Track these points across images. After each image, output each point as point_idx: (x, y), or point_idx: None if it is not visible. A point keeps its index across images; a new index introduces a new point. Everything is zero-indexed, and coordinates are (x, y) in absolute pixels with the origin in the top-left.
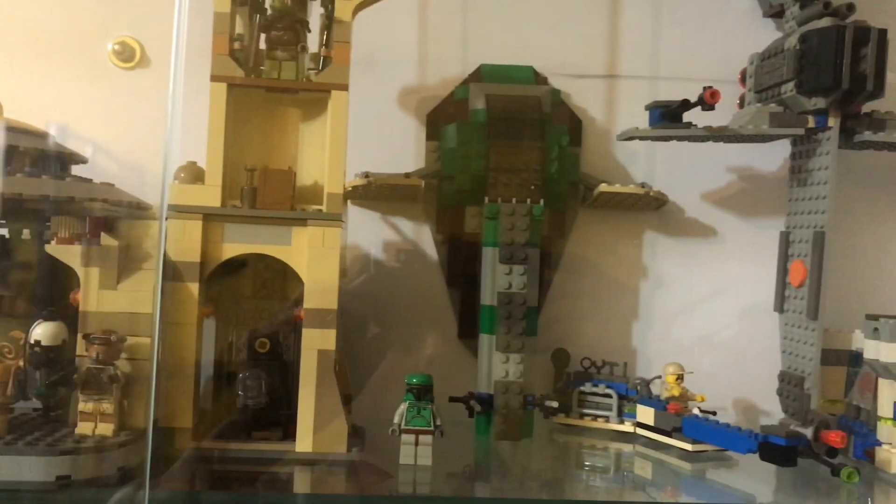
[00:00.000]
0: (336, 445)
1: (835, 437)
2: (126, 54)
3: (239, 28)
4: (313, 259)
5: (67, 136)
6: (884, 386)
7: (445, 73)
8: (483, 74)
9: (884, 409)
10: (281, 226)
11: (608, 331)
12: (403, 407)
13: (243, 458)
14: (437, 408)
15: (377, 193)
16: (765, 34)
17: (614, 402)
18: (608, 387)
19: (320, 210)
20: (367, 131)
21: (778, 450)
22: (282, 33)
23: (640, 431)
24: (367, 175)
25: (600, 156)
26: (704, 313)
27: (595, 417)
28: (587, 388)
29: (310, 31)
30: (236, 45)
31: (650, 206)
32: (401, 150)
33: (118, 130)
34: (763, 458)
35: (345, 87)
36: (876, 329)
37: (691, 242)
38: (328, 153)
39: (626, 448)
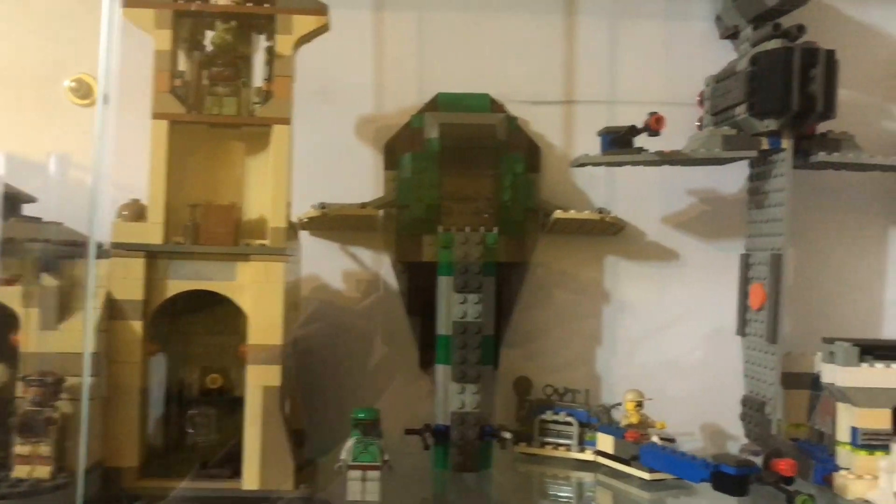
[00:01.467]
0: (283, 482)
1: (784, 466)
2: (82, 91)
3: (182, 64)
4: (257, 294)
5: (18, 173)
6: (841, 410)
7: (403, 102)
8: (439, 103)
9: (842, 434)
10: (224, 261)
11: (572, 357)
12: (350, 442)
13: (190, 496)
14: (384, 443)
15: (334, 224)
16: (723, 56)
17: (575, 430)
18: (569, 414)
19: (264, 245)
20: (326, 161)
21: (729, 479)
22: (222, 69)
23: (600, 460)
24: (323, 206)
25: (560, 182)
26: (669, 337)
27: (556, 446)
28: (548, 416)
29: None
30: (178, 82)
31: (608, 231)
32: (360, 179)
33: (74, 167)
34: (715, 487)
35: (286, 122)
36: (832, 353)
37: (653, 266)
38: (271, 187)
39: (588, 477)
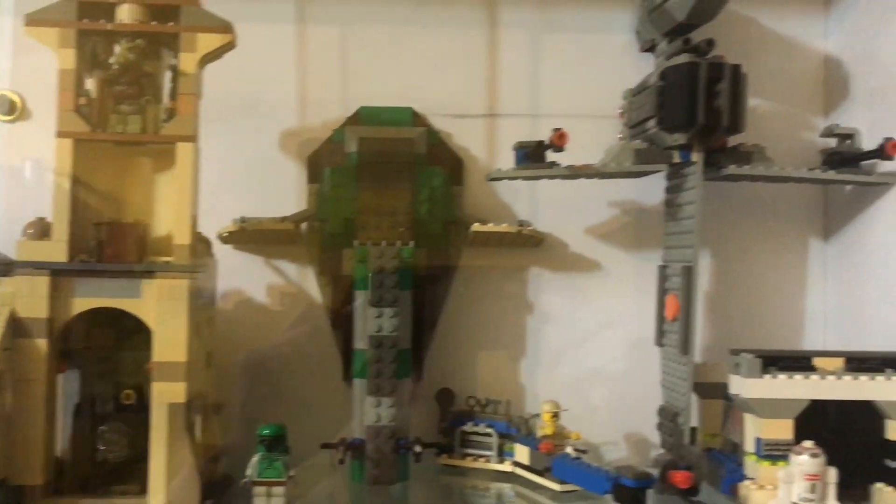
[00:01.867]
0: (188, 499)
1: (680, 478)
2: (5, 107)
3: (89, 83)
4: (161, 311)
5: None
6: (747, 421)
7: (327, 115)
8: (361, 117)
9: (748, 444)
10: (129, 279)
11: (496, 369)
12: (255, 459)
13: None
14: (289, 459)
15: (256, 238)
16: (644, 69)
17: (494, 441)
18: (489, 426)
19: (169, 262)
20: (252, 175)
21: (628, 491)
22: (125, 87)
23: (517, 471)
24: (243, 220)
25: (484, 195)
26: (591, 348)
27: (476, 457)
28: (469, 427)
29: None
30: (83, 101)
31: (529, 244)
32: (285, 193)
33: None
34: (616, 499)
35: (191, 139)
36: (737, 364)
37: (576, 277)
38: (176, 205)
39: (506, 488)
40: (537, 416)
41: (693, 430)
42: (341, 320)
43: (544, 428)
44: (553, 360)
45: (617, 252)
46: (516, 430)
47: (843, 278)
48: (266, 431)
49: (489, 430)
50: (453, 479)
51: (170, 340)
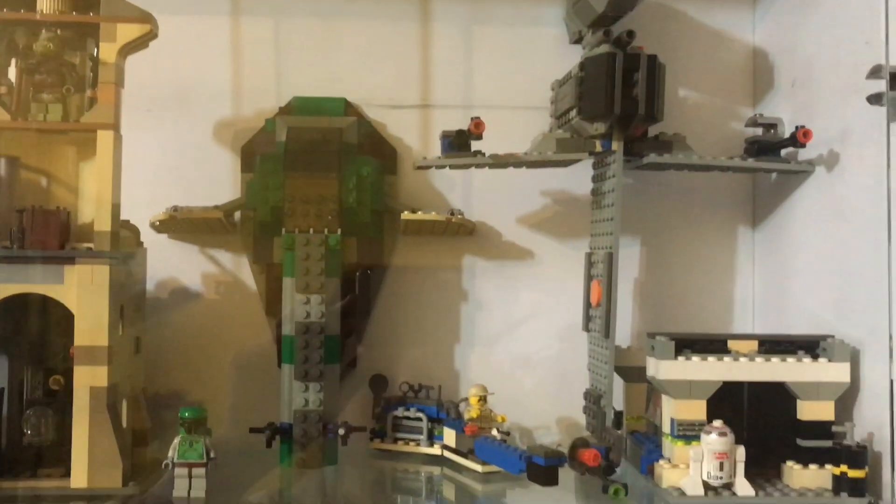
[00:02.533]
0: (111, 481)
1: (588, 456)
2: None
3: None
4: (82, 296)
5: None
6: (664, 402)
7: (261, 105)
8: (294, 107)
9: (664, 425)
10: (51, 265)
11: (431, 355)
12: (176, 441)
13: (21, 495)
14: (209, 440)
15: (188, 226)
16: (575, 60)
17: (424, 425)
18: (419, 410)
19: (90, 248)
20: (186, 164)
21: (540, 469)
22: (45, 76)
23: (446, 454)
24: (174, 209)
25: (419, 183)
26: (523, 334)
27: (407, 441)
28: (400, 412)
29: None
30: (3, 90)
31: (462, 232)
32: (220, 182)
33: None
34: (529, 477)
35: (110, 127)
36: (652, 346)
37: (509, 265)
38: (97, 192)
39: (435, 471)
40: (465, 400)
41: (619, 413)
42: (276, 307)
43: (471, 411)
44: (486, 346)
45: (549, 241)
46: (446, 414)
47: (770, 265)
48: (186, 414)
49: (420, 415)
50: (384, 463)
51: (91, 325)
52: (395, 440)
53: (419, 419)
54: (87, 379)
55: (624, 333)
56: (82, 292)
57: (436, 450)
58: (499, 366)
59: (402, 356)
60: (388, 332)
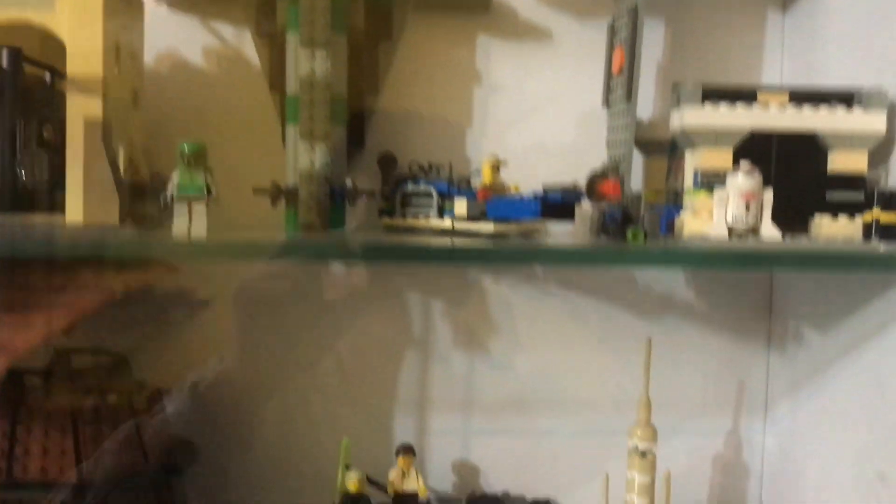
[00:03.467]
0: (107, 215)
1: (607, 186)
2: None
3: None
4: (75, 21)
5: None
6: (687, 159)
7: None
8: None
9: (687, 181)
10: None
11: (441, 139)
12: (175, 174)
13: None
14: (211, 175)
15: None
16: None
17: (434, 199)
18: (429, 185)
19: None
20: None
21: (556, 207)
22: None
23: (457, 225)
24: None
25: None
26: (540, 118)
27: (417, 216)
28: (409, 188)
29: None
30: None
31: (477, 10)
32: None
33: None
34: (545, 216)
35: None
36: (677, 96)
37: (525, 46)
38: None
39: (445, 242)
40: (478, 170)
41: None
42: (280, 81)
43: (483, 178)
44: (499, 131)
45: (566, 19)
46: (457, 189)
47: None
48: (187, 148)
49: (430, 190)
50: (392, 238)
51: (84, 52)
52: (405, 216)
53: (429, 194)
54: (81, 108)
55: (644, 111)
56: (74, 18)
57: (447, 223)
58: (512, 151)
59: (412, 139)
60: (396, 112)
